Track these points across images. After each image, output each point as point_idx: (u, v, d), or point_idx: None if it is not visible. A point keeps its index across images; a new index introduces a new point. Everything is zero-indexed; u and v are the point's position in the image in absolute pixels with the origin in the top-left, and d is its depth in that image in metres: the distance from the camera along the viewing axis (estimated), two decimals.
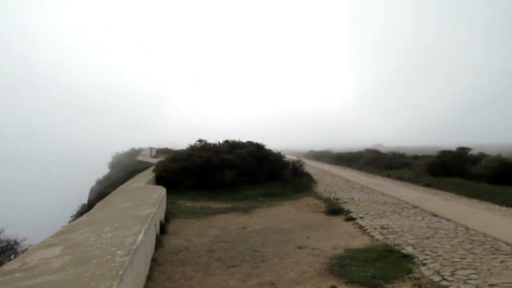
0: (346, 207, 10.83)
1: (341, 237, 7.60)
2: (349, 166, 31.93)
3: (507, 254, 6.03)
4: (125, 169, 29.18)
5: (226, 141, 19.51)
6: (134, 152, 55.82)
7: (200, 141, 18.83)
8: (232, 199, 13.34)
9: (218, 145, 18.76)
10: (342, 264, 5.77)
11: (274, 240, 7.46)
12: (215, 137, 20.20)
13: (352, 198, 12.61)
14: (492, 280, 4.90)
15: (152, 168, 17.94)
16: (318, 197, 13.11)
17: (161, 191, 10.03)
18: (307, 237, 7.64)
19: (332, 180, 19.32)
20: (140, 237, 4.94)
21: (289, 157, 24.17)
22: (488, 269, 5.33)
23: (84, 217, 7.55)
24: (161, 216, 8.75)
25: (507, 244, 6.57)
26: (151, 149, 48.75)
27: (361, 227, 8.41)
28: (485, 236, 7.21)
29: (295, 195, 14.04)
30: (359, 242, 7.20)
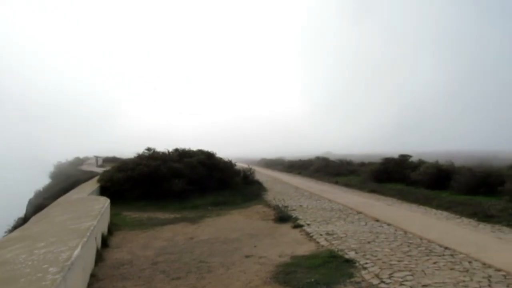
0: (294, 214, 11.00)
1: (288, 245, 7.69)
2: (299, 173, 32.59)
3: (439, 255, 6.41)
4: (67, 179, 27.60)
5: (176, 150, 19.15)
6: (79, 161, 53.12)
7: (148, 149, 18.31)
8: (180, 209, 13.07)
9: (167, 153, 18.35)
10: (287, 272, 5.83)
11: (221, 250, 7.39)
12: (168, 145, 19.88)
13: (301, 205, 12.85)
14: (425, 281, 5.19)
15: (97, 178, 17.12)
16: (268, 205, 13.21)
17: (104, 202, 9.59)
18: (255, 246, 7.64)
19: (282, 188, 19.58)
20: (77, 252, 4.67)
21: (240, 165, 24.21)
22: (423, 270, 5.64)
23: (15, 233, 7.00)
24: (104, 228, 8.35)
25: (440, 246, 7.00)
26: (97, 158, 46.61)
27: (307, 234, 8.57)
28: (421, 238, 7.63)
29: (245, 203, 14.04)
30: (305, 249, 7.33)
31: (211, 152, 19.38)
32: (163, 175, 15.22)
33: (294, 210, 11.84)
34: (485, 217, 9.86)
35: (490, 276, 5.31)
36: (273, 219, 10.52)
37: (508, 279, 5.21)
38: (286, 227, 9.51)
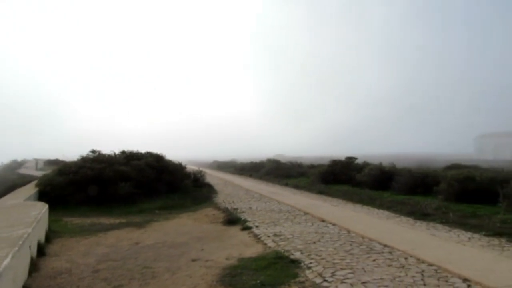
0: (243, 216, 11.04)
1: (236, 247, 7.70)
2: (251, 175, 32.78)
3: (379, 253, 6.73)
4: (2, 184, 25.62)
5: (123, 152, 18.48)
6: (16, 165, 49.60)
7: (93, 151, 17.48)
8: (126, 213, 12.61)
9: (113, 156, 17.65)
10: (233, 274, 5.83)
11: (167, 255, 7.23)
12: (117, 147, 19.12)
13: (250, 208, 12.92)
14: (365, 278, 5.42)
15: (35, 182, 16.06)
16: (218, 207, 13.13)
17: (42, 208, 9.01)
18: (202, 249, 7.56)
19: (233, 190, 19.58)
20: (6, 262, 4.35)
21: (191, 168, 23.90)
22: (363, 268, 5.88)
23: None
24: (41, 236, 7.83)
25: (380, 244, 7.36)
26: (36, 160, 43.79)
27: (256, 235, 8.63)
28: (363, 237, 7.97)
29: (195, 206, 13.87)
30: (253, 250, 7.37)
31: (161, 155, 18.96)
32: (109, 179, 14.61)
33: (243, 212, 11.87)
34: (421, 215, 10.51)
35: (423, 271, 5.66)
36: (222, 222, 10.49)
37: (439, 272, 5.58)
38: (235, 230, 9.51)
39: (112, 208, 13.35)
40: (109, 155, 17.43)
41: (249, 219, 10.63)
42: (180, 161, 20.37)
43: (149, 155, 18.67)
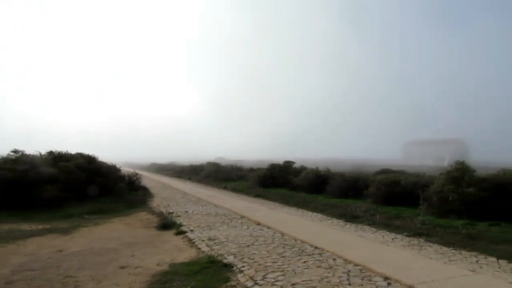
0: (179, 220, 10.80)
1: (168, 252, 7.49)
2: (190, 179, 32.29)
3: (310, 255, 6.93)
4: None
5: (51, 152, 17.18)
6: None
7: (15, 151, 16.05)
8: (51, 218, 11.71)
9: (39, 156, 16.36)
10: (163, 281, 5.65)
11: (94, 262, 6.82)
12: (48, 147, 17.64)
13: (186, 211, 12.68)
14: (295, 279, 5.54)
15: None
16: (152, 211, 12.73)
17: None
18: (132, 256, 7.24)
19: (170, 194, 19.11)
20: None
21: (126, 170, 22.93)
22: (293, 270, 6.01)
23: None
24: None
25: (311, 246, 7.58)
26: None
27: (190, 240, 8.47)
28: (295, 240, 8.17)
29: (128, 210, 13.29)
30: (186, 255, 7.22)
31: (93, 156, 17.92)
32: (32, 181, 13.50)
33: (179, 216, 11.62)
34: (352, 217, 11.04)
35: (349, 271, 5.92)
36: (156, 227, 10.16)
37: (363, 272, 5.88)
38: (168, 234, 9.26)
39: (35, 213, 12.32)
40: (33, 156, 16.13)
41: (184, 223, 10.42)
42: (114, 163, 19.48)
43: (80, 156, 17.57)
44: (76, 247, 7.98)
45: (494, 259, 6.66)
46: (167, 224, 10.15)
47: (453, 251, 7.27)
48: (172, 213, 11.85)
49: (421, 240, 8.25)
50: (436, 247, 7.60)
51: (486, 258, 6.74)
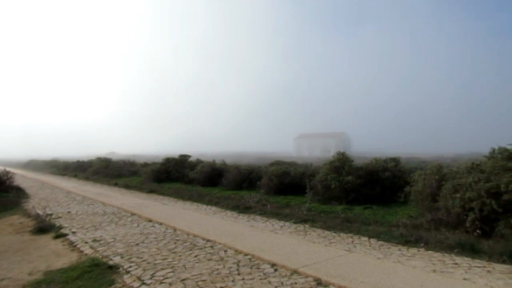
0: (59, 222, 9.76)
1: (44, 259, 6.69)
2: (75, 176, 29.63)
3: (201, 248, 6.88)
4: None
5: None
6: None
7: None
8: None
9: None
10: None
11: None
12: None
13: (69, 212, 11.54)
14: (185, 275, 5.42)
15: None
16: (27, 214, 11.27)
17: None
18: None
19: (50, 193, 17.21)
20: None
21: None
22: (184, 265, 5.89)
23: None
24: None
25: (203, 239, 7.55)
26: None
27: (71, 243, 7.70)
28: (187, 234, 8.04)
29: None
30: (65, 260, 6.53)
31: None
32: None
33: (59, 217, 10.50)
34: (245, 208, 11.32)
35: (239, 261, 6.03)
36: (30, 231, 9.01)
37: (252, 261, 6.04)
38: (46, 239, 8.29)
39: None
40: None
41: (65, 225, 9.46)
42: None
43: None
44: None
45: (366, 238, 7.49)
46: (44, 227, 9.07)
47: (333, 234, 7.96)
48: (51, 214, 10.65)
49: (307, 226, 8.84)
50: (319, 231, 8.23)
51: (359, 238, 7.53)
